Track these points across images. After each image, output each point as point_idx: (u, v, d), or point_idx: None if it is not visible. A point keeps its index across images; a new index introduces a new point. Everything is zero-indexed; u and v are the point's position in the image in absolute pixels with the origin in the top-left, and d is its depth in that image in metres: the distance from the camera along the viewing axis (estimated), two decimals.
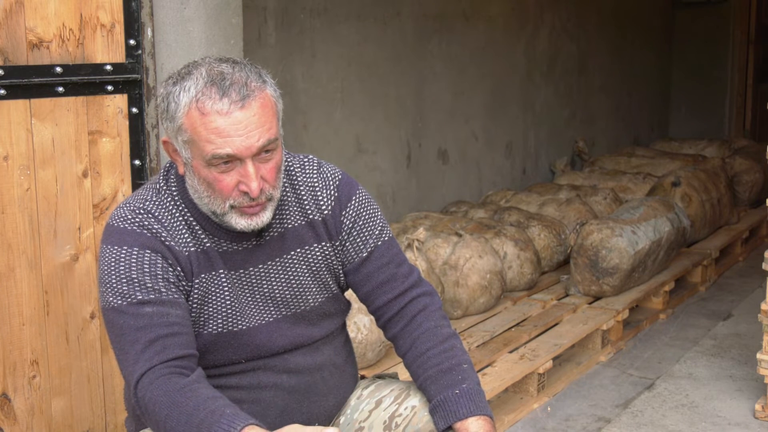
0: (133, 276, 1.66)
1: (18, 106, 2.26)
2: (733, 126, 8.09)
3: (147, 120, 2.48)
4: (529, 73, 6.00)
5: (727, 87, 8.06)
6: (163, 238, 1.70)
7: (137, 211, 1.72)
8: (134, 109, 2.46)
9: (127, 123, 2.46)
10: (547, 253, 4.54)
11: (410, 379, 1.91)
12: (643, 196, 5.20)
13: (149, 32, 2.46)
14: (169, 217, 1.73)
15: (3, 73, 2.21)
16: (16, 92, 2.25)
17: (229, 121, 1.62)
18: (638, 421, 3.23)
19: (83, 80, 2.36)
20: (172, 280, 1.68)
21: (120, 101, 2.44)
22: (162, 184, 1.77)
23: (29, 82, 2.26)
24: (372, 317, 3.09)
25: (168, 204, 1.74)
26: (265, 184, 1.68)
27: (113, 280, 1.66)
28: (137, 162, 2.49)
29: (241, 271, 1.77)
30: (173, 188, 1.76)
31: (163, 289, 1.66)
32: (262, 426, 1.53)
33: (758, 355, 3.20)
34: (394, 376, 2.00)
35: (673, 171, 5.46)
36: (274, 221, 1.79)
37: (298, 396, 1.81)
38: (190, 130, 1.64)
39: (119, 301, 1.65)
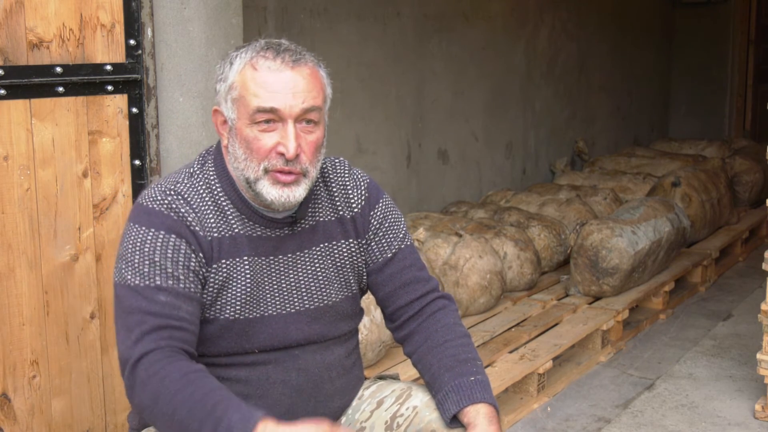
0: (156, 259, 1.67)
1: (18, 106, 2.25)
2: (733, 126, 8.10)
3: (147, 120, 2.48)
4: (529, 73, 6.00)
5: (727, 87, 8.06)
6: (188, 222, 1.72)
7: (167, 192, 1.74)
8: (134, 109, 2.46)
9: (127, 123, 2.46)
10: (547, 253, 4.54)
11: (411, 380, 1.91)
12: (643, 197, 5.20)
13: (149, 32, 2.46)
14: (199, 201, 1.75)
15: (3, 73, 2.21)
16: (16, 92, 2.25)
17: (278, 78, 1.68)
18: (638, 421, 3.23)
19: (83, 80, 2.36)
20: (192, 267, 1.70)
21: (120, 101, 2.44)
22: (196, 169, 1.80)
23: (29, 82, 2.26)
24: (372, 317, 3.09)
25: (200, 187, 1.76)
26: (303, 155, 1.72)
27: (136, 259, 1.68)
28: (137, 162, 2.49)
29: (271, 257, 1.78)
30: (210, 172, 1.78)
31: (182, 277, 1.68)
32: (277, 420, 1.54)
33: (758, 355, 3.20)
34: (395, 377, 2.01)
35: (673, 171, 5.46)
36: (308, 213, 1.82)
37: (305, 395, 1.82)
38: (240, 86, 1.70)
39: (137, 281, 1.66)
